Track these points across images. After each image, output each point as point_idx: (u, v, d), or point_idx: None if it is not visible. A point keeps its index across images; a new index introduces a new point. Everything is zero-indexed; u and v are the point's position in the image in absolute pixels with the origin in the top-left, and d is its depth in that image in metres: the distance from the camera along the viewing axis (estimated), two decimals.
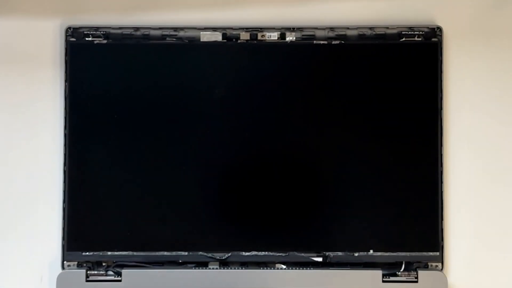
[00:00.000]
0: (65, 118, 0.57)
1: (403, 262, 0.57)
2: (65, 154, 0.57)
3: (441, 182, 0.57)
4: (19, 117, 0.58)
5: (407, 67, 0.57)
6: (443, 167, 0.57)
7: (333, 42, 0.57)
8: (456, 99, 0.58)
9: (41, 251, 0.57)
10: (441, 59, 0.57)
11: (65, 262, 0.56)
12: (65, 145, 0.57)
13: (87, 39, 0.57)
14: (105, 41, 0.57)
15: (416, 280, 0.56)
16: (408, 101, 0.57)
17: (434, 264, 0.57)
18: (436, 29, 0.57)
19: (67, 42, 0.57)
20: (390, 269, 0.56)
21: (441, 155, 0.57)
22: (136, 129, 0.57)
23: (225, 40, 0.57)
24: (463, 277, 0.57)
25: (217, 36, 0.57)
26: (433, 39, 0.57)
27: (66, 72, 0.57)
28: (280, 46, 0.57)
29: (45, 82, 0.58)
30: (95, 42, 0.57)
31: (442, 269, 0.57)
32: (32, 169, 0.57)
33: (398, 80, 0.57)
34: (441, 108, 0.57)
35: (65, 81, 0.57)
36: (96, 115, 0.57)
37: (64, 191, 0.56)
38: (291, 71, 0.57)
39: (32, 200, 0.57)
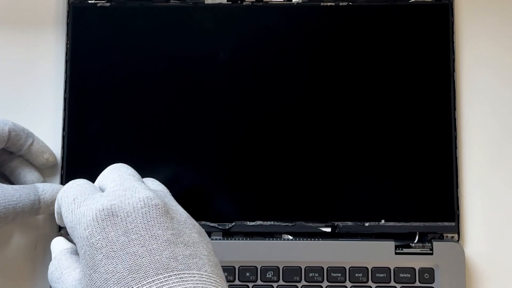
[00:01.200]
0: (65, 81, 0.54)
1: (417, 233, 0.52)
2: (64, 119, 0.53)
3: (456, 148, 0.53)
4: (19, 80, 0.55)
5: (418, 29, 0.53)
6: (457, 132, 0.53)
7: (341, 4, 0.54)
8: (469, 61, 0.54)
9: (36, 219, 0.53)
10: (453, 20, 0.54)
11: (61, 231, 0.52)
12: (64, 109, 0.53)
13: (89, 1, 0.54)
14: (108, 4, 0.54)
15: (431, 252, 0.51)
16: (419, 64, 0.53)
17: (450, 235, 0.52)
18: None
19: (69, 4, 0.54)
20: (403, 240, 0.52)
21: (455, 119, 0.53)
22: (137, 94, 0.53)
23: (230, 2, 0.54)
24: (481, 248, 0.52)
25: None
26: (444, 0, 0.54)
27: (67, 35, 0.54)
28: (286, 7, 0.54)
29: (46, 45, 0.55)
30: (98, 4, 0.54)
31: (458, 240, 0.52)
32: None
33: (408, 43, 0.53)
34: (454, 70, 0.53)
35: (67, 44, 0.54)
36: (97, 79, 0.54)
37: (62, 158, 0.53)
38: (297, 33, 0.54)
39: None
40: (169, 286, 0.34)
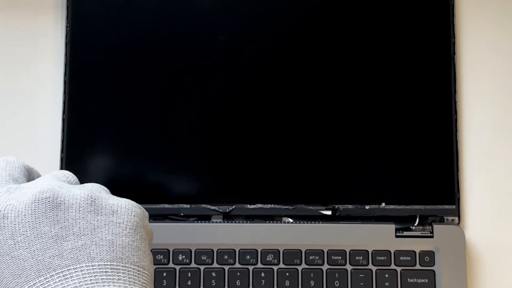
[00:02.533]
0: (65, 64, 0.52)
1: (417, 216, 0.51)
2: (64, 102, 0.52)
3: (456, 131, 0.51)
4: (19, 63, 0.53)
5: (418, 12, 0.52)
6: (457, 115, 0.52)
7: None
8: (470, 44, 0.53)
9: None
10: (453, 2, 0.52)
11: None
12: (64, 92, 0.52)
13: None
14: None
15: (431, 235, 0.50)
16: (420, 47, 0.51)
17: (450, 218, 0.51)
18: None
19: None
20: (403, 223, 0.50)
21: (456, 102, 0.51)
22: (137, 76, 0.52)
23: None
24: (481, 231, 0.51)
25: None
26: None
27: (67, 18, 0.52)
28: None
29: (46, 27, 0.54)
30: None
31: (459, 223, 0.51)
32: (30, 117, 0.53)
33: (409, 26, 0.52)
34: (454, 53, 0.52)
35: (67, 27, 0.52)
36: (97, 62, 0.52)
37: (62, 140, 0.51)
38: (298, 15, 0.52)
39: (29, 149, 0.53)
40: (51, 287, 0.31)
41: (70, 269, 0.32)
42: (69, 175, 0.38)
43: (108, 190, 0.38)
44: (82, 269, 0.32)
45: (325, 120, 0.52)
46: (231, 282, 0.50)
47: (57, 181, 0.36)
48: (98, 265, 0.33)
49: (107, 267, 0.33)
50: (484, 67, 0.53)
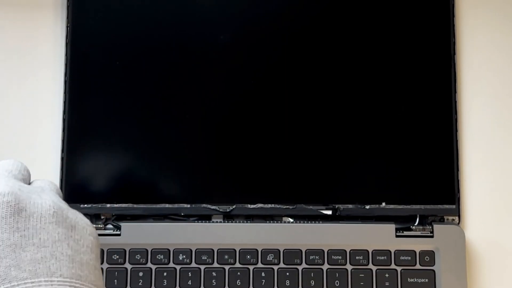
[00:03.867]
0: (66, 64, 0.51)
1: (418, 216, 0.50)
2: (64, 102, 0.51)
3: (456, 131, 0.50)
4: (19, 63, 0.53)
5: (418, 12, 0.51)
6: (457, 114, 0.51)
7: None
8: (470, 44, 0.52)
9: None
10: (453, 2, 0.51)
11: None
12: (65, 92, 0.51)
13: None
14: None
15: (431, 235, 0.49)
16: (420, 47, 0.51)
17: (450, 217, 0.50)
18: None
19: None
20: (403, 223, 0.50)
21: (456, 102, 0.51)
22: (137, 77, 0.51)
23: None
24: (481, 231, 0.50)
25: None
26: None
27: (68, 18, 0.52)
28: None
29: (46, 27, 0.53)
30: None
31: (459, 223, 0.50)
32: (31, 117, 0.52)
33: (409, 26, 0.51)
34: (454, 53, 0.51)
35: (67, 27, 0.51)
36: (97, 62, 0.51)
37: (63, 140, 0.51)
38: (298, 15, 0.51)
39: (30, 150, 0.52)
40: None
41: (27, 282, 0.30)
42: (21, 168, 0.36)
43: (60, 193, 0.36)
44: (40, 283, 0.30)
45: (325, 119, 0.51)
46: (232, 282, 0.49)
47: (14, 180, 0.34)
48: (57, 281, 0.31)
49: (66, 283, 0.31)
50: (484, 67, 0.52)
